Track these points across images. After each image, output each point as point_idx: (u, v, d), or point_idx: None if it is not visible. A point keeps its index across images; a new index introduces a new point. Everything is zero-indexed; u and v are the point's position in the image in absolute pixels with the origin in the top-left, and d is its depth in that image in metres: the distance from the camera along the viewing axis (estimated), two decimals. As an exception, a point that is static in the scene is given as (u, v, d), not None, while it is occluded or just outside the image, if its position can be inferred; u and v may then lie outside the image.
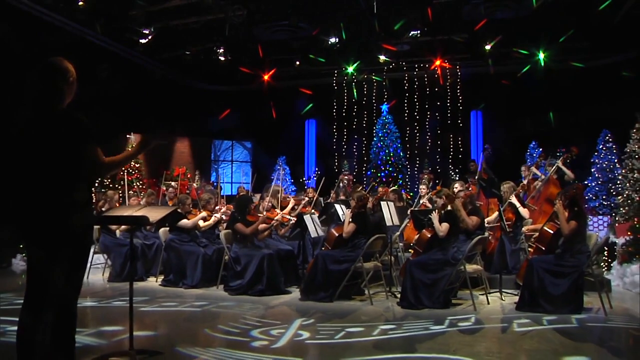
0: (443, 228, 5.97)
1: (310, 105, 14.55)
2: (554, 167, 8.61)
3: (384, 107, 14.11)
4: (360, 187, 9.09)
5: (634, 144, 8.75)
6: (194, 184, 12.25)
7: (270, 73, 13.50)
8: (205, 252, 7.25)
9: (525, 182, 8.68)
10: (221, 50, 11.56)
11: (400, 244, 7.62)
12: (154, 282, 7.55)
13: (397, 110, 14.13)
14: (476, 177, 9.76)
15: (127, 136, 12.49)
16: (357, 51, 12.17)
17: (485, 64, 12.11)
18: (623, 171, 9.00)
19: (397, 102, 14.11)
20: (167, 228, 7.63)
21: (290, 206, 8.49)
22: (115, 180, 11.41)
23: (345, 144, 14.68)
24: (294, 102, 14.65)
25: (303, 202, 8.68)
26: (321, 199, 9.78)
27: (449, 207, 6.22)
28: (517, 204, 7.38)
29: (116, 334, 4.60)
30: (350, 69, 13.49)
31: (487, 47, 11.31)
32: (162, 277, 7.51)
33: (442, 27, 11.05)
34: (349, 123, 14.67)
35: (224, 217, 7.90)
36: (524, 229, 6.96)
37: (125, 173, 11.06)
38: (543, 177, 8.71)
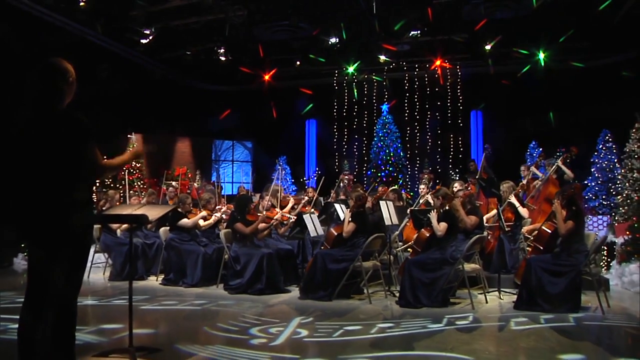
0: (441, 227, 6.00)
1: (311, 105, 14.58)
2: (554, 167, 8.63)
3: (384, 107, 14.13)
4: (361, 187, 9.11)
5: (634, 144, 8.78)
6: (195, 184, 12.28)
7: (271, 73, 13.54)
8: (206, 251, 7.29)
9: (524, 181, 8.70)
10: (222, 51, 11.60)
11: (400, 243, 7.65)
12: (154, 281, 7.59)
13: (397, 110, 14.16)
14: (476, 177, 9.78)
15: (129, 136, 12.54)
16: (357, 51, 12.21)
17: (485, 64, 12.13)
18: (622, 171, 9.02)
19: (397, 102, 14.13)
20: (168, 227, 7.68)
21: (290, 205, 8.53)
22: (116, 180, 11.45)
23: (346, 143, 14.71)
24: (295, 102, 14.68)
25: (303, 201, 8.72)
26: (321, 198, 9.82)
27: (447, 207, 6.25)
28: (517, 204, 7.40)
29: (116, 331, 4.63)
30: (351, 69, 13.52)
31: (487, 47, 11.34)
32: (163, 276, 7.55)
33: (442, 27, 11.08)
34: (349, 123, 14.70)
35: (224, 216, 7.94)
36: (523, 229, 6.98)
37: (126, 173, 11.10)
38: (543, 176, 8.73)
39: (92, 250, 7.95)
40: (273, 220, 7.46)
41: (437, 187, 8.07)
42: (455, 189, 7.85)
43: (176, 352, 4.09)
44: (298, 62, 13.02)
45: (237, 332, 4.69)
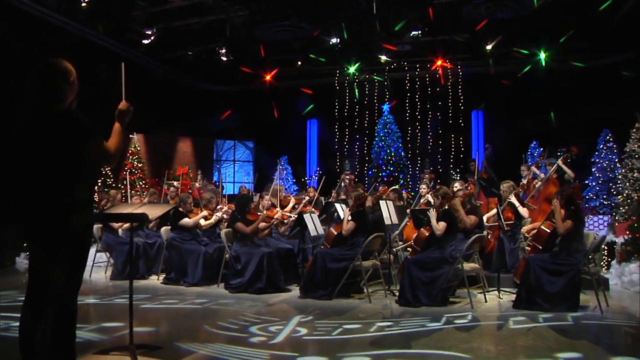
0: (440, 227, 6.02)
1: (311, 106, 14.61)
2: (554, 167, 8.64)
3: (385, 107, 14.15)
4: (362, 187, 9.14)
5: (634, 144, 8.79)
6: (197, 184, 12.32)
7: (272, 73, 13.58)
8: (206, 251, 7.33)
9: (525, 181, 8.72)
10: (223, 51, 11.64)
11: (400, 242, 7.67)
12: (155, 280, 7.63)
13: (398, 110, 14.17)
14: (476, 177, 9.80)
15: (130, 136, 12.57)
16: (358, 51, 12.22)
17: (486, 64, 12.14)
18: (623, 171, 9.03)
19: (398, 102, 14.14)
20: (169, 227, 7.72)
21: (291, 205, 8.57)
22: (118, 179, 11.50)
23: (347, 143, 14.73)
24: (296, 102, 14.71)
25: (304, 201, 8.75)
26: (322, 198, 9.85)
27: (447, 206, 6.28)
28: (517, 204, 7.42)
29: (117, 329, 4.67)
30: (352, 69, 13.54)
31: (488, 47, 11.35)
32: (164, 275, 7.59)
33: (443, 27, 11.09)
34: (350, 123, 14.72)
35: (225, 216, 7.98)
36: (523, 229, 7.00)
37: (128, 173, 11.16)
38: (543, 176, 8.75)
39: (93, 249, 8.03)
40: (273, 220, 7.49)
41: (438, 187, 8.10)
42: (455, 189, 7.87)
43: (176, 349, 4.12)
44: (299, 62, 13.04)
45: (237, 331, 4.73)
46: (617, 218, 8.85)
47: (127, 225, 7.84)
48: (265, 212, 7.41)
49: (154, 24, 10.40)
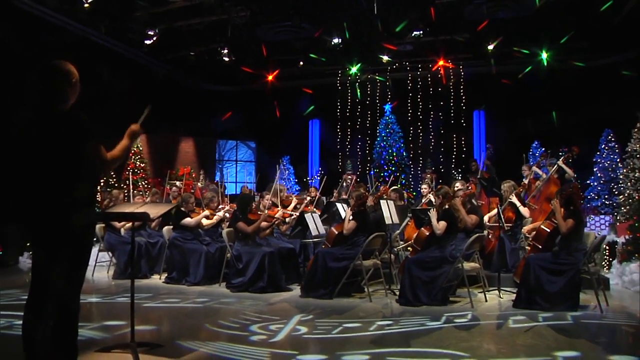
0: (440, 226, 6.04)
1: (312, 107, 14.66)
2: (555, 167, 8.66)
3: (387, 107, 14.16)
4: (363, 187, 9.17)
5: (635, 144, 8.79)
6: (199, 184, 12.36)
7: (274, 74, 13.61)
8: (208, 250, 7.37)
9: (526, 181, 8.73)
10: (225, 51, 11.67)
11: (401, 242, 7.69)
12: (157, 280, 7.67)
13: (400, 110, 14.18)
14: (477, 177, 9.82)
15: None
16: (359, 51, 12.25)
17: (487, 64, 12.15)
18: (625, 170, 9.03)
19: (400, 102, 14.16)
20: (171, 226, 7.76)
21: (292, 205, 8.61)
22: (120, 179, 11.55)
23: (349, 143, 14.75)
24: (298, 102, 14.74)
25: (305, 201, 8.79)
26: (324, 198, 9.89)
27: (448, 206, 6.30)
28: (518, 203, 7.44)
29: (119, 328, 4.71)
30: (354, 69, 13.57)
31: (490, 47, 11.36)
32: (166, 274, 7.64)
33: (444, 27, 11.11)
34: (352, 123, 14.74)
35: (227, 215, 8.02)
36: (523, 229, 7.02)
37: (131, 173, 11.21)
38: (544, 176, 8.76)
39: (96, 249, 8.07)
40: (275, 219, 7.52)
41: (439, 186, 8.12)
42: (456, 189, 7.89)
43: (177, 347, 4.15)
44: (301, 63, 13.08)
45: (237, 329, 4.76)
46: (618, 218, 8.86)
47: (129, 224, 7.88)
48: (266, 211, 7.44)
49: (156, 24, 10.44)
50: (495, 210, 7.36)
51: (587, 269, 5.66)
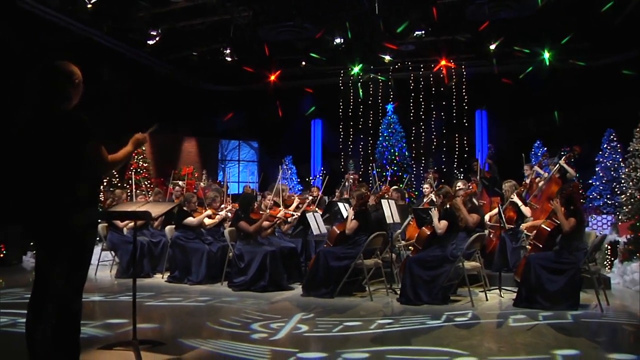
0: (441, 225, 6.06)
1: (313, 108, 14.70)
2: (557, 166, 8.66)
3: (389, 107, 14.19)
4: (365, 187, 9.20)
5: (637, 143, 8.80)
6: (202, 184, 12.40)
7: (277, 74, 13.65)
8: (210, 249, 7.41)
9: (527, 181, 8.74)
10: (227, 51, 11.71)
11: (403, 241, 7.71)
12: (160, 279, 7.71)
13: (402, 110, 14.20)
14: (479, 176, 9.82)
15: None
16: (361, 51, 12.27)
17: (489, 64, 12.16)
18: (627, 170, 9.03)
19: (402, 102, 14.18)
20: (174, 226, 7.80)
21: (294, 204, 8.64)
22: (123, 179, 11.60)
23: (351, 143, 14.78)
24: (300, 102, 14.79)
25: (307, 200, 8.82)
26: (326, 197, 9.92)
27: (449, 205, 6.32)
28: (519, 203, 7.45)
29: (121, 326, 4.75)
30: (356, 69, 13.59)
31: (492, 47, 11.37)
32: (168, 273, 7.68)
33: (446, 27, 11.12)
34: (354, 123, 14.77)
35: (229, 214, 8.05)
36: (522, 225, 7.03)
37: (133, 172, 11.25)
38: (546, 175, 8.76)
39: (99, 248, 8.11)
40: (276, 219, 7.56)
41: (440, 186, 8.14)
42: (457, 188, 7.90)
43: (179, 345, 4.19)
44: (303, 63, 13.11)
45: (239, 327, 4.79)
46: (620, 217, 8.86)
47: (131, 224, 7.92)
48: (268, 211, 7.47)
49: (158, 24, 10.49)
50: (497, 209, 7.37)
51: (587, 268, 5.68)
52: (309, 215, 7.06)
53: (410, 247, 7.01)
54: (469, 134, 14.00)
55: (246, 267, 6.83)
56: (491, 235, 7.56)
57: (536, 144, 12.16)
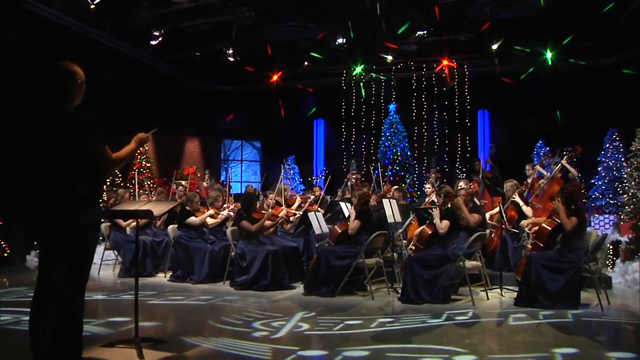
0: (443, 225, 6.08)
1: (314, 109, 14.74)
2: (559, 166, 8.66)
3: (392, 107, 14.20)
4: (367, 187, 9.22)
5: (639, 143, 8.78)
6: (204, 183, 12.45)
7: (279, 74, 13.69)
8: (212, 249, 7.45)
9: (529, 180, 8.74)
10: (230, 51, 11.76)
11: (404, 241, 7.73)
12: (162, 278, 7.75)
13: (404, 110, 14.21)
14: (480, 176, 9.84)
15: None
16: (364, 51, 12.29)
17: (491, 64, 12.16)
18: (629, 170, 9.02)
19: (404, 102, 14.19)
20: (176, 225, 7.84)
21: (296, 204, 8.67)
22: (126, 179, 11.65)
23: (354, 143, 14.80)
24: (303, 102, 14.81)
25: (309, 200, 8.84)
26: (328, 197, 9.94)
27: (450, 205, 6.34)
28: (520, 202, 7.45)
29: (124, 324, 4.79)
30: (358, 69, 13.62)
31: (494, 47, 11.36)
32: (171, 272, 7.72)
33: (448, 27, 11.13)
34: (357, 123, 14.79)
35: (231, 214, 8.09)
36: (522, 222, 7.04)
37: (137, 172, 11.30)
38: (548, 175, 8.77)
39: (102, 247, 8.17)
40: (278, 218, 7.59)
41: (442, 185, 8.15)
42: (459, 188, 7.92)
43: (181, 343, 4.22)
44: (306, 63, 13.13)
45: (240, 326, 4.82)
46: (622, 217, 8.85)
47: (134, 223, 7.97)
48: (270, 210, 7.50)
49: (161, 24, 10.53)
50: (498, 209, 7.38)
51: (588, 268, 5.69)
52: (311, 215, 7.09)
53: (411, 247, 7.02)
54: (471, 134, 14.00)
55: (248, 266, 6.86)
56: (492, 235, 7.58)
57: (538, 144, 12.15)
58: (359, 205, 6.66)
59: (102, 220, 7.13)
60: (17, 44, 8.57)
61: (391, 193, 8.41)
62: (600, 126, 11.19)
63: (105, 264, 8.45)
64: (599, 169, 10.96)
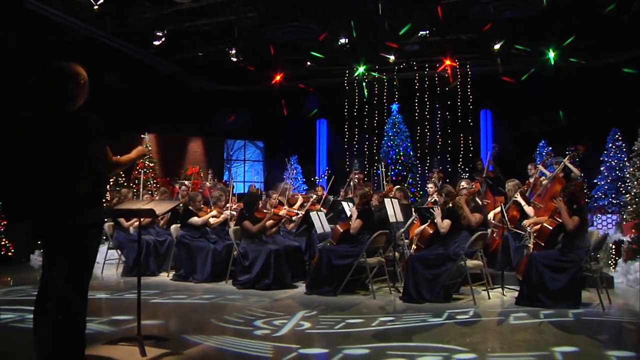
0: (444, 224, 6.09)
1: (315, 110, 14.78)
2: (561, 166, 8.67)
3: (394, 107, 14.21)
4: (369, 186, 9.23)
5: (642, 142, 8.77)
6: (207, 183, 12.49)
7: (282, 74, 13.72)
8: (215, 248, 7.48)
9: (531, 180, 8.75)
10: (233, 51, 11.79)
11: (406, 240, 7.74)
12: (165, 277, 7.79)
13: (407, 110, 14.22)
14: (483, 176, 9.85)
15: (142, 136, 12.79)
16: (366, 51, 12.31)
17: (494, 64, 12.16)
18: (631, 169, 9.01)
19: (407, 102, 14.19)
20: (179, 224, 7.88)
21: (299, 203, 8.70)
22: (130, 179, 11.70)
23: (356, 143, 14.82)
24: (305, 102, 14.83)
25: (311, 199, 8.87)
26: (330, 197, 9.96)
27: (451, 204, 6.35)
28: (522, 202, 7.46)
29: (126, 322, 4.82)
30: (361, 69, 13.63)
31: (496, 47, 11.36)
32: (174, 272, 7.75)
33: (450, 27, 11.14)
34: (359, 122, 14.81)
35: (234, 213, 8.12)
36: (524, 222, 7.05)
37: (141, 172, 11.35)
38: (549, 174, 8.77)
39: (105, 246, 8.20)
40: (280, 218, 7.61)
41: (443, 185, 8.16)
42: (461, 187, 7.93)
43: (183, 341, 4.25)
44: (308, 63, 13.16)
45: (242, 324, 4.85)
46: (625, 217, 8.84)
47: (137, 223, 8.00)
48: (272, 210, 7.53)
49: (164, 25, 10.57)
50: (500, 208, 7.39)
51: (589, 267, 5.70)
52: (313, 214, 7.12)
53: (413, 246, 7.04)
54: (474, 134, 13.99)
55: (250, 266, 6.89)
56: (494, 235, 7.59)
57: (541, 144, 12.14)
58: (361, 205, 6.68)
59: (105, 219, 7.18)
60: (18, 44, 8.60)
61: (393, 193, 8.43)
62: (602, 126, 11.17)
63: (108, 263, 8.49)
64: (601, 168, 10.95)
